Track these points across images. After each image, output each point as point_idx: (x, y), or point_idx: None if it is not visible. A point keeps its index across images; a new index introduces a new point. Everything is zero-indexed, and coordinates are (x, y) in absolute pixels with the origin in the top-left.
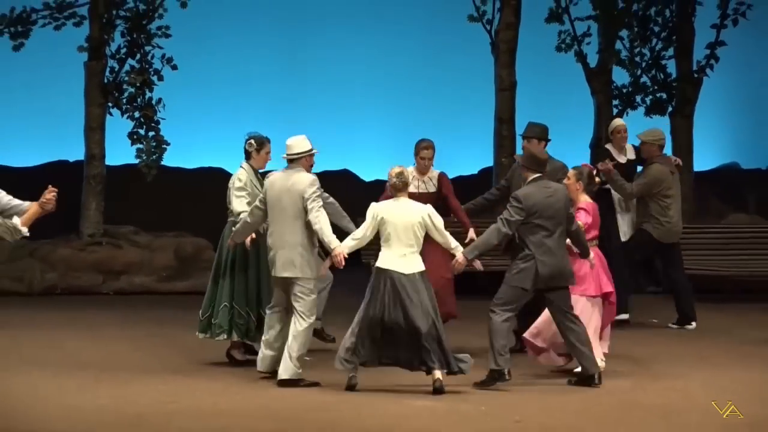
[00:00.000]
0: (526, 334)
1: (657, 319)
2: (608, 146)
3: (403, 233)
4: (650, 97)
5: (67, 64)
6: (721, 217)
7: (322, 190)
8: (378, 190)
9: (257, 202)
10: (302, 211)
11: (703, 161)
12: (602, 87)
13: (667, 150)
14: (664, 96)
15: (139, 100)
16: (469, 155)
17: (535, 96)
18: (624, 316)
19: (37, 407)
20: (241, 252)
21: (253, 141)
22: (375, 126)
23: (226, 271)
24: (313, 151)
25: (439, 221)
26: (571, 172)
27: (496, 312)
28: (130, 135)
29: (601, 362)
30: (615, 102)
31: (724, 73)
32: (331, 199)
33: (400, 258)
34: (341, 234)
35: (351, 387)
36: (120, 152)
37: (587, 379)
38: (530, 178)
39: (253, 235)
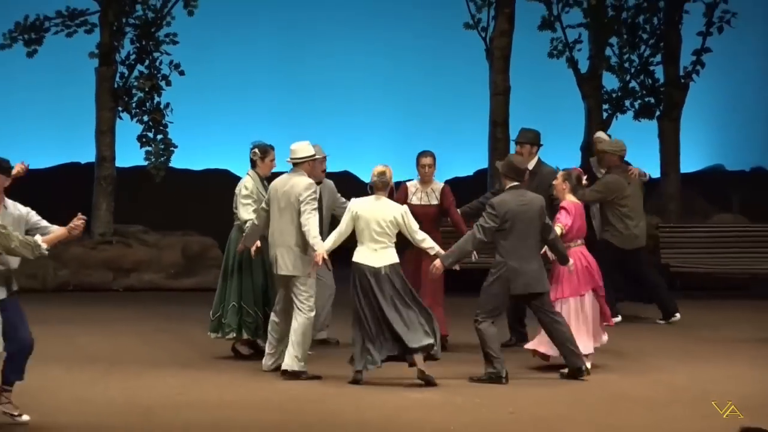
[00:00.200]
0: (530, 346)
1: (646, 316)
2: (592, 160)
3: (375, 229)
4: (639, 101)
5: (78, 70)
6: (706, 216)
7: (339, 194)
8: None
9: (263, 204)
10: (298, 213)
11: (690, 163)
12: (593, 92)
13: (653, 152)
14: (652, 100)
15: (147, 104)
16: (464, 157)
17: (528, 100)
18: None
19: (49, 399)
20: (248, 254)
21: (257, 150)
22: (375, 129)
23: (233, 272)
24: (316, 157)
25: (412, 222)
26: (560, 174)
27: (480, 321)
28: (140, 138)
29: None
30: (605, 106)
31: (709, 79)
32: (347, 204)
33: (371, 253)
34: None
35: (356, 381)
36: (129, 154)
37: (576, 372)
38: (507, 186)
39: (258, 243)
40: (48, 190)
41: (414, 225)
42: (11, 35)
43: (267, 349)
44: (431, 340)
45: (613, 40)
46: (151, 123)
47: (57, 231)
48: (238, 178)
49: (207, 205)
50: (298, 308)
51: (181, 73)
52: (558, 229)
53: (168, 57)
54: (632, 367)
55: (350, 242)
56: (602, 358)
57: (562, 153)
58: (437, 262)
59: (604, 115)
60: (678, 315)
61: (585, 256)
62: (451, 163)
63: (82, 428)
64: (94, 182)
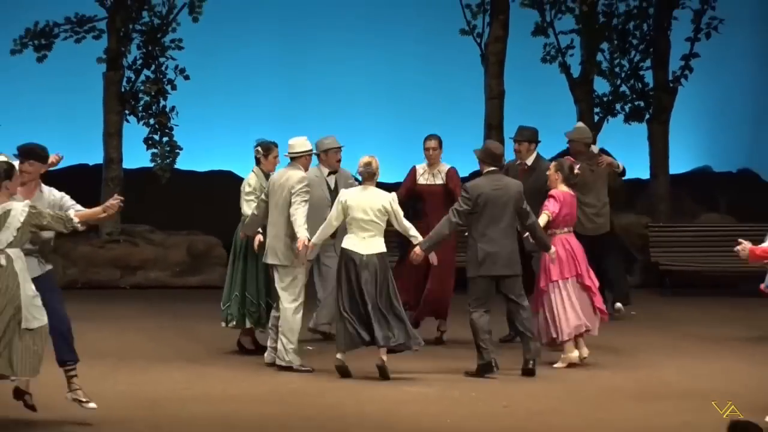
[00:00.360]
0: (566, 336)
1: (635, 312)
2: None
3: (364, 218)
4: (629, 105)
5: (86, 75)
6: (694, 216)
7: (356, 183)
8: None
9: (262, 196)
10: (290, 205)
11: (678, 165)
12: (584, 96)
13: (643, 154)
14: (642, 104)
15: (153, 107)
16: (460, 159)
17: (522, 104)
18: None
19: (60, 393)
20: (252, 246)
21: (260, 148)
22: (374, 131)
23: (238, 263)
24: (312, 151)
25: (399, 210)
26: (552, 164)
27: (471, 311)
28: (146, 140)
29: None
30: (596, 110)
31: (698, 83)
32: None
33: (360, 241)
34: None
35: (341, 370)
36: (136, 156)
37: (526, 362)
38: (485, 171)
39: (261, 238)
40: (57, 190)
41: (401, 212)
42: (22, 41)
43: (269, 344)
44: (398, 342)
45: (604, 45)
46: (157, 126)
47: (93, 208)
48: (241, 179)
49: (211, 206)
50: (281, 298)
51: (186, 77)
52: (545, 216)
53: (173, 62)
54: (624, 363)
55: None
56: (594, 354)
57: (554, 154)
58: (417, 248)
59: (596, 118)
60: (621, 305)
61: (570, 242)
62: (447, 164)
63: (92, 421)
64: (101, 183)
